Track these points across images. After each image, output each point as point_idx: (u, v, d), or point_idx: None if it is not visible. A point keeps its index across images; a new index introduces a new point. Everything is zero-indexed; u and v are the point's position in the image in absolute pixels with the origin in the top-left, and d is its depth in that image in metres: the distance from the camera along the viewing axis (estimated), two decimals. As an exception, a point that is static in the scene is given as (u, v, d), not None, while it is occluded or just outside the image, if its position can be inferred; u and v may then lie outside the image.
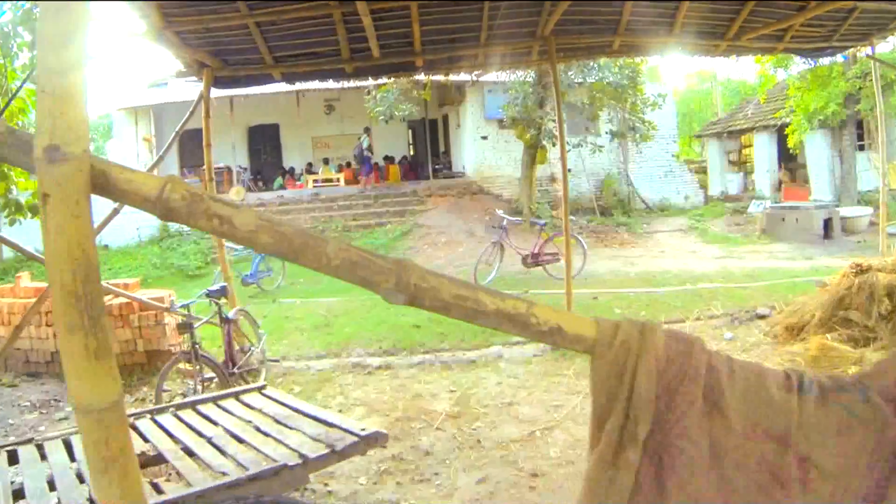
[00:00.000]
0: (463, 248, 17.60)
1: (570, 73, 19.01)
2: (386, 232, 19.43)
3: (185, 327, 6.56)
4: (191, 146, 26.62)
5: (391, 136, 27.04)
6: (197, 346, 6.55)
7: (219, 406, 4.29)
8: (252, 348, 7.74)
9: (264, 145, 28.12)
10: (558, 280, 13.41)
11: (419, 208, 20.98)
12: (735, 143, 29.46)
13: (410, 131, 29.01)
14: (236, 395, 4.45)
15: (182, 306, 6.80)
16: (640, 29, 8.84)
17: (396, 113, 18.73)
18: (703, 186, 29.08)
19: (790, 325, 8.57)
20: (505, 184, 24.19)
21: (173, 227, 22.43)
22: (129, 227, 22.65)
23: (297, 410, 4.12)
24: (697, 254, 17.78)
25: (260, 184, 26.45)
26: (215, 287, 7.25)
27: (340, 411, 6.90)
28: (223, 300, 7.47)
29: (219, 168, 23.98)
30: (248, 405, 4.30)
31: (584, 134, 22.73)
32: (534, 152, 20.62)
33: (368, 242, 18.60)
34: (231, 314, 7.52)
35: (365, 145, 24.46)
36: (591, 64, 18.95)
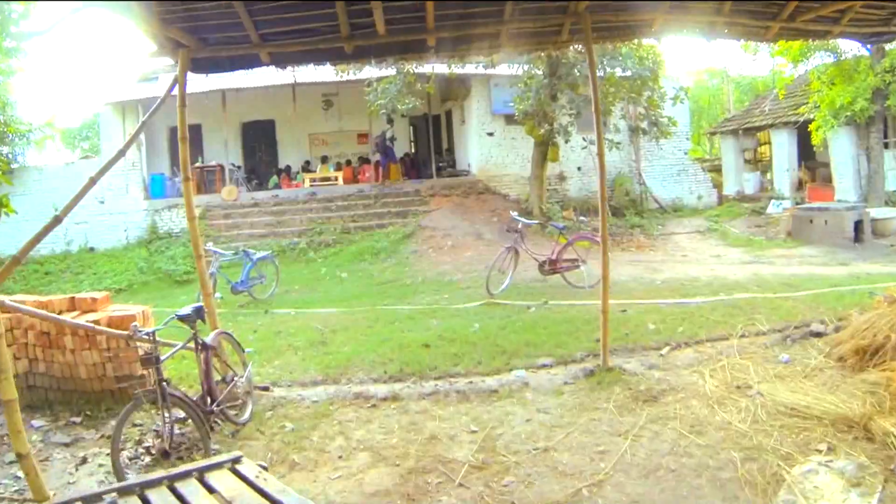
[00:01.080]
0: (470, 252, 16.44)
1: (584, 64, 17.78)
2: (387, 234, 18.27)
3: (149, 362, 5.37)
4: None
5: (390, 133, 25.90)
6: (164, 383, 5.37)
7: (173, 491, 3.10)
8: (235, 378, 6.57)
9: (259, 143, 26.96)
10: (578, 289, 12.34)
11: (422, 209, 19.81)
12: (751, 141, 28.31)
13: (412, 128, 27.79)
14: (199, 474, 3.25)
15: (147, 334, 5.58)
16: (685, 7, 7.69)
17: (399, 107, 17.49)
18: (717, 186, 27.98)
19: (860, 347, 7.41)
20: (512, 183, 23.06)
21: (162, 228, 21.41)
22: (117, 227, 21.65)
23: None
24: (723, 258, 16.66)
25: (255, 183, 25.24)
26: (187, 310, 6.03)
27: (340, 457, 5.76)
28: (200, 323, 6.26)
29: (210, 167, 22.96)
30: (211, 489, 3.11)
31: (592, 131, 21.43)
32: (545, 149, 19.47)
33: (369, 245, 17.47)
34: (210, 339, 6.37)
35: (389, 136, 23.35)
36: (605, 55, 17.79)
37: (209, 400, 6.03)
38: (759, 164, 29.29)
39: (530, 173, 20.33)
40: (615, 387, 7.14)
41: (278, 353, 9.32)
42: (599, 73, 18.34)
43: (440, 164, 24.33)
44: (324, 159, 24.72)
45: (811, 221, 18.30)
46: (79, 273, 19.41)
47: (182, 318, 6.00)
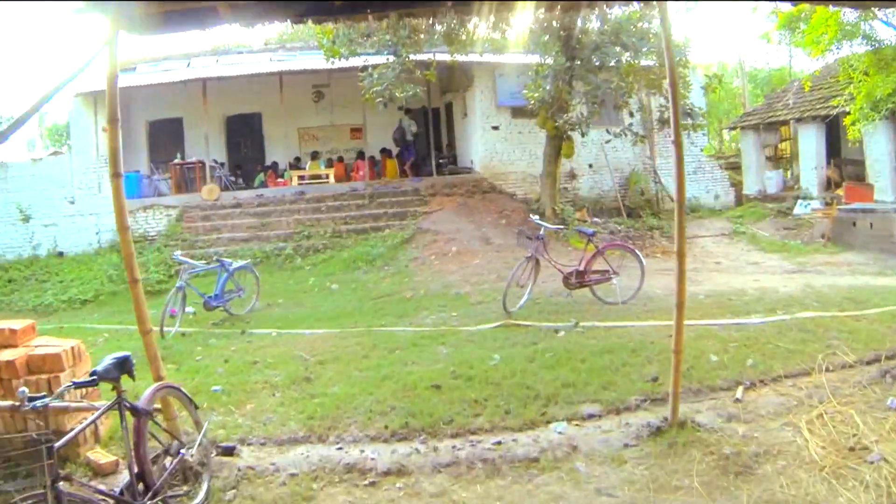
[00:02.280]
0: (478, 259, 14.66)
1: (602, 52, 16.02)
2: (383, 238, 16.48)
3: (37, 453, 3.57)
4: (162, 138, 23.77)
5: (387, 126, 24.00)
6: (63, 482, 3.56)
7: None
8: (183, 453, 4.76)
9: (245, 138, 25.08)
10: (610, 305, 10.58)
11: (422, 210, 18.03)
12: (774, 137, 26.52)
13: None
14: None
15: (37, 406, 3.76)
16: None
17: (398, 94, 15.64)
18: (733, 185, 26.26)
19: None
20: (519, 181, 21.31)
21: (137, 231, 19.58)
22: (88, 230, 19.88)
23: None
24: (762, 266, 14.99)
25: (239, 181, 23.39)
26: (107, 364, 4.22)
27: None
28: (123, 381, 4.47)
29: (190, 163, 21.18)
30: None
31: (608, 125, 19.82)
32: (559, 144, 17.70)
33: (363, 251, 15.68)
34: (144, 401, 4.57)
35: (406, 126, 21.84)
36: (633, 36, 16.06)
37: (142, 488, 4.24)
38: (780, 161, 27.54)
39: (542, 170, 18.55)
40: (693, 450, 5.46)
41: (251, 392, 7.54)
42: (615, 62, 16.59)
43: (441, 161, 22.51)
44: (314, 155, 22.90)
45: (854, 224, 16.60)
46: (44, 281, 17.70)
47: (100, 377, 4.19)
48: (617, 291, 10.74)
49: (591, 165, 22.86)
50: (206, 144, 20.89)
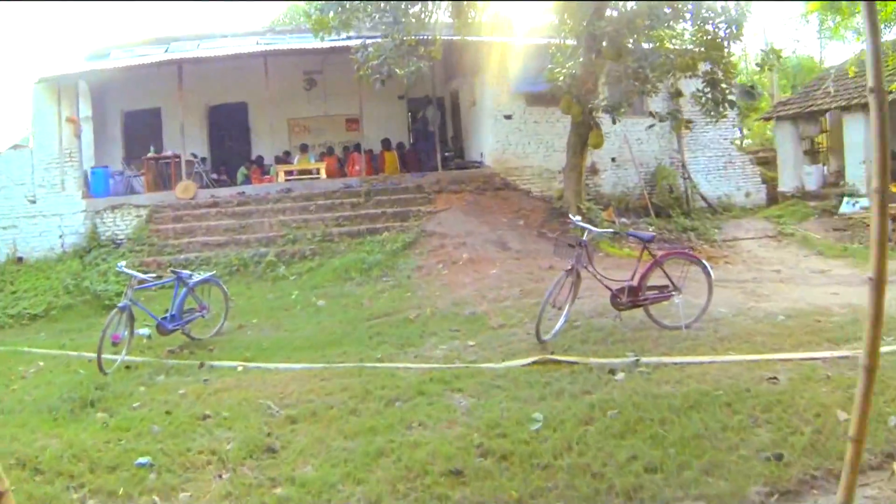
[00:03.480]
0: (496, 268, 12.36)
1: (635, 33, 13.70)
2: (381, 243, 14.18)
3: None
4: (139, 130, 21.45)
5: (385, 116, 21.74)
6: None
7: None
8: None
9: (229, 130, 22.85)
10: (670, 329, 8.33)
11: (426, 209, 15.73)
12: (814, 128, 24.08)
13: (409, 114, 23.48)
14: None
15: None
16: None
17: (398, 71, 13.28)
18: (766, 180, 23.94)
19: None
20: (534, 176, 19.02)
21: (104, 234, 17.46)
22: (51, 233, 17.66)
23: None
24: (830, 275, 12.72)
25: (222, 177, 21.13)
26: None
27: None
28: None
29: (165, 157, 18.92)
30: None
31: (630, 114, 17.56)
32: (585, 132, 15.38)
33: (358, 258, 13.37)
34: None
35: (431, 116, 20.06)
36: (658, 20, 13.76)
37: None
38: (817, 154, 25.14)
39: (565, 163, 16.24)
40: None
41: (191, 470, 5.42)
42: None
43: (447, 155, 20.10)
44: (303, 148, 20.57)
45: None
46: (-4, 291, 15.43)
47: None
48: (680, 312, 8.44)
49: (613, 159, 20.59)
50: (182, 136, 18.57)
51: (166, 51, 21.27)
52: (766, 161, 25.71)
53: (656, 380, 6.57)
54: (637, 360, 7.18)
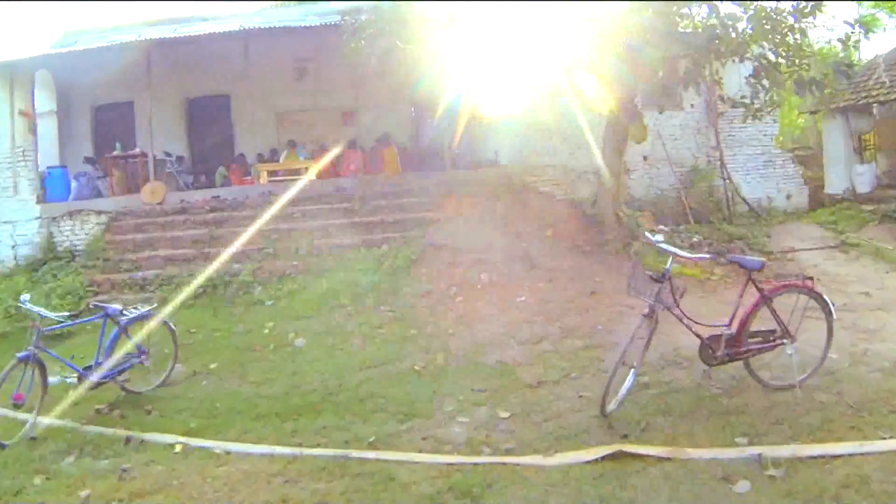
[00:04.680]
0: (525, 293, 9.92)
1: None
2: (379, 258, 11.71)
3: None
4: (111, 126, 19.01)
5: (387, 108, 19.20)
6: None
7: None
8: None
9: (210, 125, 20.28)
10: (780, 388, 5.97)
11: (432, 216, 13.23)
12: (867, 123, 21.53)
13: (412, 107, 20.88)
14: None
15: None
16: None
17: (398, 43, 10.80)
18: (806, 181, 21.50)
19: None
20: (558, 177, 16.52)
21: (61, 244, 15.14)
22: (2, 243, 15.33)
23: None
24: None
25: (201, 177, 18.73)
26: None
27: None
28: None
29: (131, 155, 16.53)
30: None
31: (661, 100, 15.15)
32: (623, 124, 12.89)
33: (349, 279, 10.86)
34: None
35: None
36: None
37: None
38: (866, 152, 22.64)
39: (601, 160, 13.73)
40: None
41: None
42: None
43: (455, 152, 17.49)
44: (290, 144, 18.04)
45: None
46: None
47: None
48: (793, 365, 6.00)
49: (645, 158, 18.18)
50: (150, 132, 16.17)
51: (139, 37, 18.88)
52: (802, 160, 23.24)
53: (799, 491, 4.14)
54: (761, 457, 4.73)
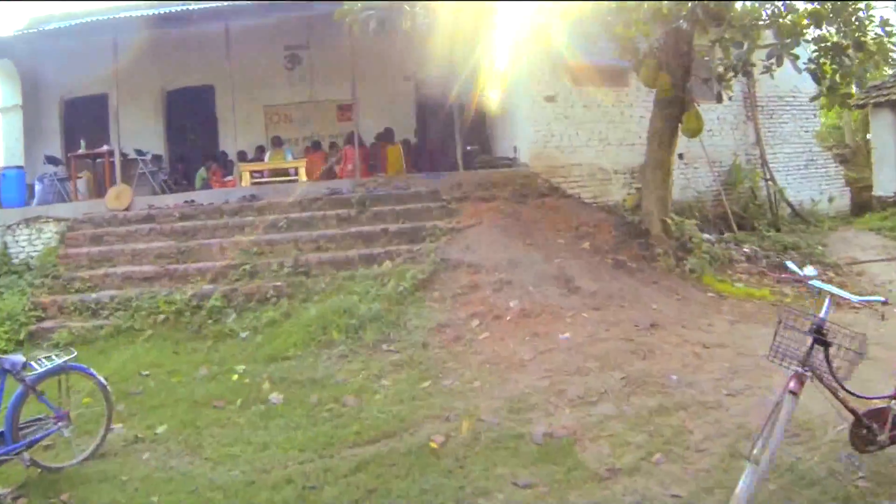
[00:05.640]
0: (568, 327, 7.86)
1: None
2: (382, 278, 9.57)
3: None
4: (83, 122, 16.92)
5: (388, 101, 17.12)
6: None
7: None
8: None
9: (191, 119, 18.31)
10: None
11: (446, 224, 11.13)
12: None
13: (417, 99, 18.77)
14: None
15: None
16: None
17: (406, 12, 8.71)
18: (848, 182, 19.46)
19: None
20: (584, 177, 14.48)
21: (16, 256, 13.16)
22: (-44, 254, 13.26)
23: None
24: None
25: (184, 180, 16.70)
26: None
27: None
28: None
29: (98, 154, 14.59)
30: None
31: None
32: (676, 114, 10.88)
33: (343, 306, 8.69)
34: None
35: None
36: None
37: None
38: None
39: (645, 158, 11.71)
40: None
41: None
42: None
43: (468, 149, 15.34)
44: (276, 141, 15.95)
45: None
46: None
47: None
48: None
49: (681, 156, 15.95)
50: (117, 126, 14.15)
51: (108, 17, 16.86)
52: (841, 159, 21.17)
53: None
54: None
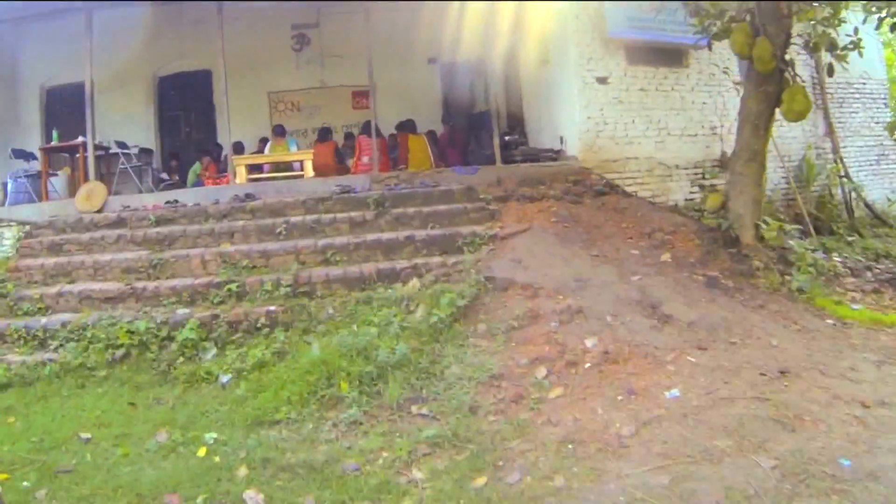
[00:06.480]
0: (675, 379, 5.48)
1: None
2: (407, 302, 7.31)
3: None
4: (66, 111, 14.70)
5: (408, 86, 14.94)
6: None
7: None
8: None
9: (186, 109, 16.28)
10: None
11: (485, 230, 8.83)
12: None
13: (441, 82, 16.50)
14: None
15: None
16: None
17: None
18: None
19: None
20: (643, 173, 12.20)
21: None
22: None
23: None
24: None
25: (176, 176, 14.58)
26: None
27: None
28: None
29: (72, 147, 12.56)
30: None
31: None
32: (774, 93, 8.60)
33: (357, 343, 6.36)
34: None
35: None
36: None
37: None
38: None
39: (735, 149, 9.42)
40: None
41: None
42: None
43: (506, 139, 13.00)
44: (278, 131, 13.66)
45: None
46: None
47: None
48: None
49: (747, 149, 13.67)
50: (91, 115, 12.00)
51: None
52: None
53: None
54: None
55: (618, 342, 6.06)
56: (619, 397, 5.32)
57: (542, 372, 5.73)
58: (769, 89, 8.69)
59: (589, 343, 6.04)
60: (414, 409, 5.44)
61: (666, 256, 8.21)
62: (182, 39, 14.76)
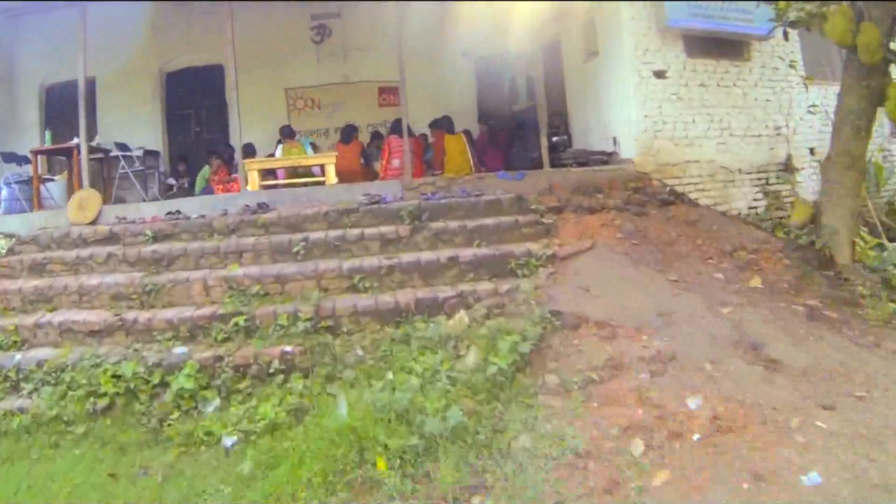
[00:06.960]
0: (806, 453, 4.17)
1: None
2: (453, 343, 5.97)
3: None
4: (66, 110, 13.71)
5: (443, 80, 13.83)
6: None
7: None
8: None
9: (197, 106, 15.10)
10: None
11: (541, 248, 7.48)
12: None
13: (476, 78, 15.31)
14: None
15: None
16: None
17: None
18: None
19: None
20: (704, 178, 10.84)
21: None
22: None
23: None
24: None
25: (185, 181, 13.46)
26: None
27: None
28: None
29: (66, 150, 11.47)
30: None
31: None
32: (878, 89, 7.27)
33: (391, 397, 5.04)
34: None
35: None
36: None
37: None
38: None
39: (830, 151, 8.10)
40: None
41: None
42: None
43: (554, 141, 11.63)
44: (285, 132, 12.32)
45: None
46: None
47: None
48: None
49: (812, 150, 12.39)
50: (84, 114, 10.89)
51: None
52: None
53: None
54: None
55: (727, 402, 4.71)
56: (745, 485, 3.99)
57: (638, 447, 4.38)
58: (872, 84, 7.35)
59: (692, 404, 4.70)
60: (476, 501, 4.12)
61: (756, 282, 6.86)
62: (191, 31, 13.79)
